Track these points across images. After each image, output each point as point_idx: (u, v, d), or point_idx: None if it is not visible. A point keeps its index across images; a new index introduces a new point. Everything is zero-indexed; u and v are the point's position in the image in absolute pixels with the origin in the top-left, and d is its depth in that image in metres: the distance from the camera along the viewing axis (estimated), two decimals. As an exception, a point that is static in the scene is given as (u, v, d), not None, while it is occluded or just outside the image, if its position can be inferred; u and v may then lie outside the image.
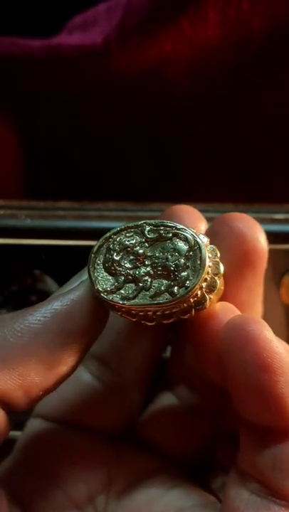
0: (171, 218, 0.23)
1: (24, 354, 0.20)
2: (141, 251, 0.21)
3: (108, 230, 0.21)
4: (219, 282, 0.21)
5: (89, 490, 0.24)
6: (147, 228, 0.21)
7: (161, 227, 0.21)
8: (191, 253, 0.20)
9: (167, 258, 0.20)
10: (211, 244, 0.21)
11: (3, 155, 0.39)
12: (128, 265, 0.21)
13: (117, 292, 0.20)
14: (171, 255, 0.20)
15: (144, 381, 0.26)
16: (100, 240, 0.21)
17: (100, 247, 0.21)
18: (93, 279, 0.21)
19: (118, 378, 0.25)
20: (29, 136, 0.39)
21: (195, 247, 0.20)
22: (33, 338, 0.20)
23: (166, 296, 0.20)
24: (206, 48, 0.34)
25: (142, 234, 0.21)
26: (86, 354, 0.22)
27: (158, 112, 0.37)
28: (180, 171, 0.39)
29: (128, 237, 0.21)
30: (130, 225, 0.21)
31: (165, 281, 0.20)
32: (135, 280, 0.20)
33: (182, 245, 0.21)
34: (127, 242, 0.21)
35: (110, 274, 0.21)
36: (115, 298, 0.20)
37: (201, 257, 0.20)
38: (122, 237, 0.21)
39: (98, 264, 0.21)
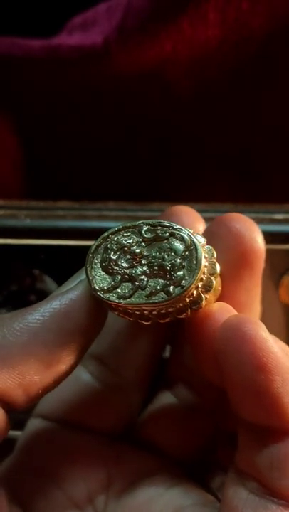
0: (169, 218, 0.23)
1: (23, 353, 0.20)
2: (138, 250, 0.21)
3: (108, 229, 0.21)
4: (216, 282, 0.21)
5: (89, 489, 0.24)
6: (145, 228, 0.21)
7: (159, 227, 0.21)
8: (187, 253, 0.20)
9: (164, 258, 0.20)
10: (208, 244, 0.21)
11: (3, 155, 0.39)
12: (125, 264, 0.21)
13: (114, 291, 0.20)
14: (168, 255, 0.20)
15: (143, 381, 0.26)
16: (98, 240, 0.21)
17: (97, 246, 0.21)
18: (90, 278, 0.21)
19: (118, 378, 0.25)
20: (29, 136, 0.39)
21: (191, 247, 0.20)
22: (32, 337, 0.20)
23: (162, 295, 0.20)
24: (206, 47, 0.34)
25: (140, 234, 0.21)
26: (85, 354, 0.22)
27: (158, 112, 0.37)
28: (180, 171, 0.38)
29: (125, 236, 0.21)
30: (128, 224, 0.21)
31: (161, 281, 0.20)
32: (132, 279, 0.21)
33: (178, 245, 0.21)
34: (124, 242, 0.21)
35: (107, 273, 0.21)
36: (112, 297, 0.20)
37: (197, 257, 0.20)
38: (119, 237, 0.21)
39: (96, 264, 0.21)
